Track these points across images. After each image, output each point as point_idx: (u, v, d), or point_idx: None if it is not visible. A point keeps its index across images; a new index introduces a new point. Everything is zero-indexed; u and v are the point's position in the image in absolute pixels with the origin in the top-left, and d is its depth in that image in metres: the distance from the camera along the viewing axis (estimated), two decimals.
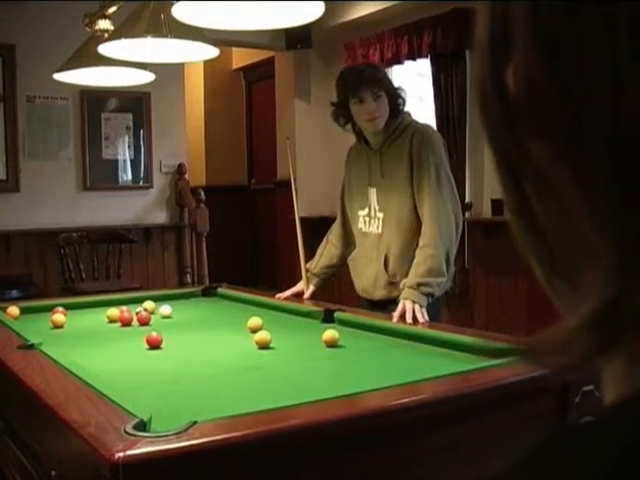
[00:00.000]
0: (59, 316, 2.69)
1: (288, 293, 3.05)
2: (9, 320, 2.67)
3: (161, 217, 6.16)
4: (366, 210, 2.84)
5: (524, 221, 0.36)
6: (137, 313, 2.73)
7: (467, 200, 5.25)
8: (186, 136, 6.49)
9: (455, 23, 5.00)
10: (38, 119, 5.63)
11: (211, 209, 5.71)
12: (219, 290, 3.37)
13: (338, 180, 3.11)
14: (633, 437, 0.27)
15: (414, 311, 2.48)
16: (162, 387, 1.83)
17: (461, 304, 5.29)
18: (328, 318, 2.61)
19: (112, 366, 2.04)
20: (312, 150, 6.49)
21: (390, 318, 2.49)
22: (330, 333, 2.22)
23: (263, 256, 7.88)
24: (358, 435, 1.46)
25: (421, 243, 2.61)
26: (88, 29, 3.30)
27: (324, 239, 3.08)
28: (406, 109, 2.81)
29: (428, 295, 2.54)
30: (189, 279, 5.99)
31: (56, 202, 5.71)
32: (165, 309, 2.87)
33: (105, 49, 2.80)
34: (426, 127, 2.77)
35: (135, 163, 6.08)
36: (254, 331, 2.33)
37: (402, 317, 2.48)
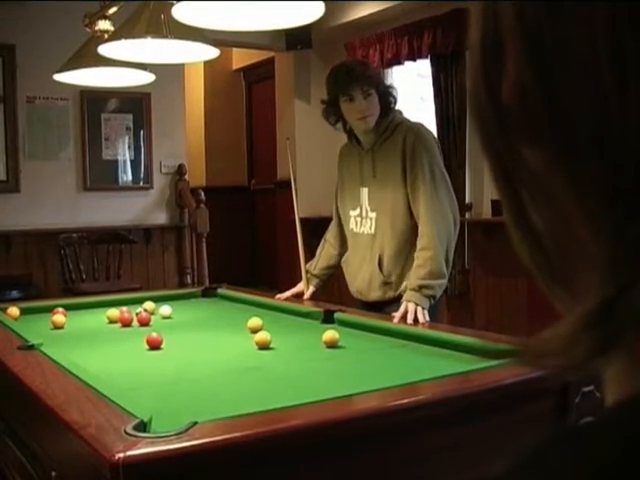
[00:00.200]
0: (59, 317, 2.69)
1: (288, 294, 3.05)
2: (9, 321, 2.68)
3: (161, 218, 6.16)
4: (357, 210, 2.82)
5: (521, 227, 0.36)
6: (137, 314, 2.73)
7: (467, 201, 5.25)
8: (186, 137, 6.49)
9: (455, 24, 5.00)
10: (38, 119, 5.63)
11: (211, 210, 5.72)
12: (219, 291, 3.37)
13: None
14: (634, 438, 0.27)
15: (416, 312, 2.48)
16: (162, 388, 1.83)
17: (461, 305, 5.29)
18: (328, 319, 2.61)
19: (112, 367, 2.04)
20: (312, 151, 6.49)
21: (390, 319, 2.49)
22: (330, 334, 2.22)
23: (263, 257, 7.88)
24: (358, 436, 1.46)
25: (420, 245, 2.59)
26: (88, 30, 3.30)
27: (322, 240, 3.08)
28: (399, 108, 2.78)
29: (430, 297, 2.54)
30: (189, 280, 5.99)
31: (56, 203, 5.71)
32: (165, 310, 2.87)
33: (105, 50, 2.80)
34: (418, 125, 2.72)
35: (135, 164, 6.09)
36: (254, 332, 2.33)
37: (403, 318, 2.48)
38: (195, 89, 7.92)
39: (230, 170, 8.13)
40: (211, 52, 2.81)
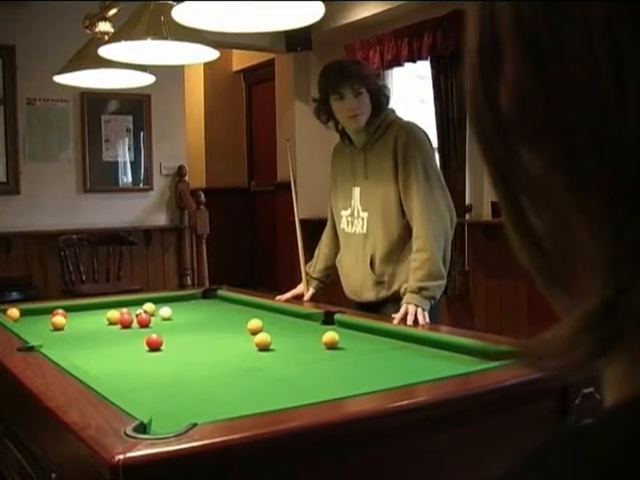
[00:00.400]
0: (59, 318, 2.69)
1: (288, 295, 3.04)
2: (9, 322, 2.67)
3: (161, 219, 6.16)
4: (349, 210, 2.81)
5: (520, 230, 0.36)
6: (137, 315, 2.73)
7: (467, 202, 5.25)
8: (186, 138, 6.49)
9: (455, 25, 5.00)
10: (38, 121, 5.63)
11: (211, 211, 5.72)
12: (219, 292, 3.37)
13: None
14: (634, 438, 0.27)
15: (416, 314, 2.48)
16: (162, 389, 1.83)
17: (461, 306, 5.29)
18: (328, 320, 2.61)
19: (112, 368, 2.04)
20: (312, 152, 6.49)
21: (390, 320, 2.49)
22: (330, 335, 2.22)
23: (263, 258, 7.88)
24: (358, 437, 1.46)
25: (416, 247, 2.58)
26: (88, 31, 3.31)
27: (320, 241, 3.07)
28: (393, 107, 2.77)
29: (430, 298, 2.54)
30: (189, 281, 5.99)
31: (56, 204, 5.71)
32: (165, 311, 2.87)
33: (105, 51, 2.80)
34: (411, 125, 2.70)
35: (135, 165, 6.09)
36: (254, 333, 2.33)
37: (403, 320, 2.48)
38: (195, 91, 7.92)
39: (230, 171, 8.13)
40: (211, 54, 2.81)
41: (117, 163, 6.01)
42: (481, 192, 5.21)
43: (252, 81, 8.17)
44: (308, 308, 2.82)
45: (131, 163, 6.07)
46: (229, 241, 7.73)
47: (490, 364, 1.72)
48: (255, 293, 3.49)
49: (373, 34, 5.82)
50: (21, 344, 2.21)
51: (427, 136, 2.73)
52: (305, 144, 6.47)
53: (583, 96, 0.30)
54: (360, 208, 2.75)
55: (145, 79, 3.37)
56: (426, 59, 5.41)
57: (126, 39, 2.68)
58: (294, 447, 1.40)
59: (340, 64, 2.79)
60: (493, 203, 4.93)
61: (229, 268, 7.09)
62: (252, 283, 7.15)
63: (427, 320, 2.48)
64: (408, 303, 2.51)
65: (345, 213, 2.83)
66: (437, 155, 5.04)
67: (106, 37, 3.09)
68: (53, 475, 1.54)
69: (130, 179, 6.09)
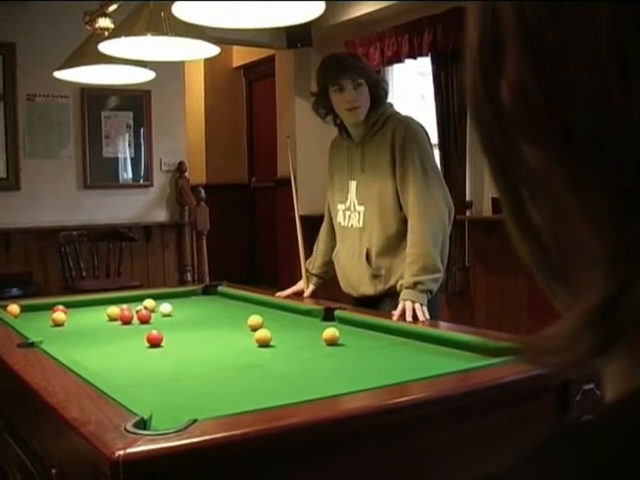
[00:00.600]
0: (59, 314, 2.69)
1: (288, 292, 3.04)
2: (9, 318, 2.68)
3: (161, 215, 6.16)
4: (345, 204, 2.80)
5: (521, 226, 0.36)
6: (137, 311, 2.73)
7: (468, 198, 5.25)
8: (186, 134, 6.49)
9: (455, 22, 4.99)
10: (38, 117, 5.63)
11: (211, 207, 5.72)
12: (219, 288, 3.37)
13: None
14: (634, 434, 0.27)
15: (414, 310, 2.48)
16: (162, 385, 1.83)
17: (461, 302, 5.29)
18: (328, 316, 2.61)
19: (112, 364, 2.04)
20: (312, 148, 6.48)
21: (390, 316, 2.49)
22: (330, 331, 2.22)
23: (263, 254, 7.88)
24: (357, 433, 1.47)
25: (410, 240, 2.57)
26: (88, 27, 3.31)
27: (317, 237, 3.07)
28: (391, 102, 2.77)
29: (426, 292, 2.53)
30: (189, 277, 5.99)
31: (56, 200, 5.71)
32: (165, 307, 2.87)
33: (105, 47, 2.80)
34: (408, 119, 2.70)
35: (135, 161, 6.09)
36: (254, 329, 2.33)
37: (402, 316, 2.48)
38: (195, 87, 7.91)
39: (230, 168, 8.13)
40: (211, 50, 2.81)
41: (117, 159, 6.01)
42: (481, 188, 5.21)
43: (252, 77, 8.16)
44: (308, 304, 2.82)
45: (131, 159, 6.06)
46: (229, 237, 7.73)
47: (490, 360, 1.72)
48: (255, 289, 3.49)
49: (373, 30, 5.81)
50: (21, 340, 2.21)
51: (425, 131, 2.72)
52: (305, 140, 6.46)
53: (586, 95, 0.30)
54: (356, 202, 2.75)
55: (145, 75, 3.36)
56: (427, 55, 5.40)
57: (126, 35, 2.68)
58: (294, 443, 1.40)
59: (338, 57, 2.78)
60: (494, 199, 4.93)
61: (229, 264, 7.09)
62: (252, 279, 7.15)
63: (426, 316, 2.48)
64: (405, 300, 2.51)
65: (341, 207, 2.83)
66: (437, 151, 5.04)
67: (106, 33, 3.09)
68: (53, 471, 1.54)
69: (130, 175, 6.08)
